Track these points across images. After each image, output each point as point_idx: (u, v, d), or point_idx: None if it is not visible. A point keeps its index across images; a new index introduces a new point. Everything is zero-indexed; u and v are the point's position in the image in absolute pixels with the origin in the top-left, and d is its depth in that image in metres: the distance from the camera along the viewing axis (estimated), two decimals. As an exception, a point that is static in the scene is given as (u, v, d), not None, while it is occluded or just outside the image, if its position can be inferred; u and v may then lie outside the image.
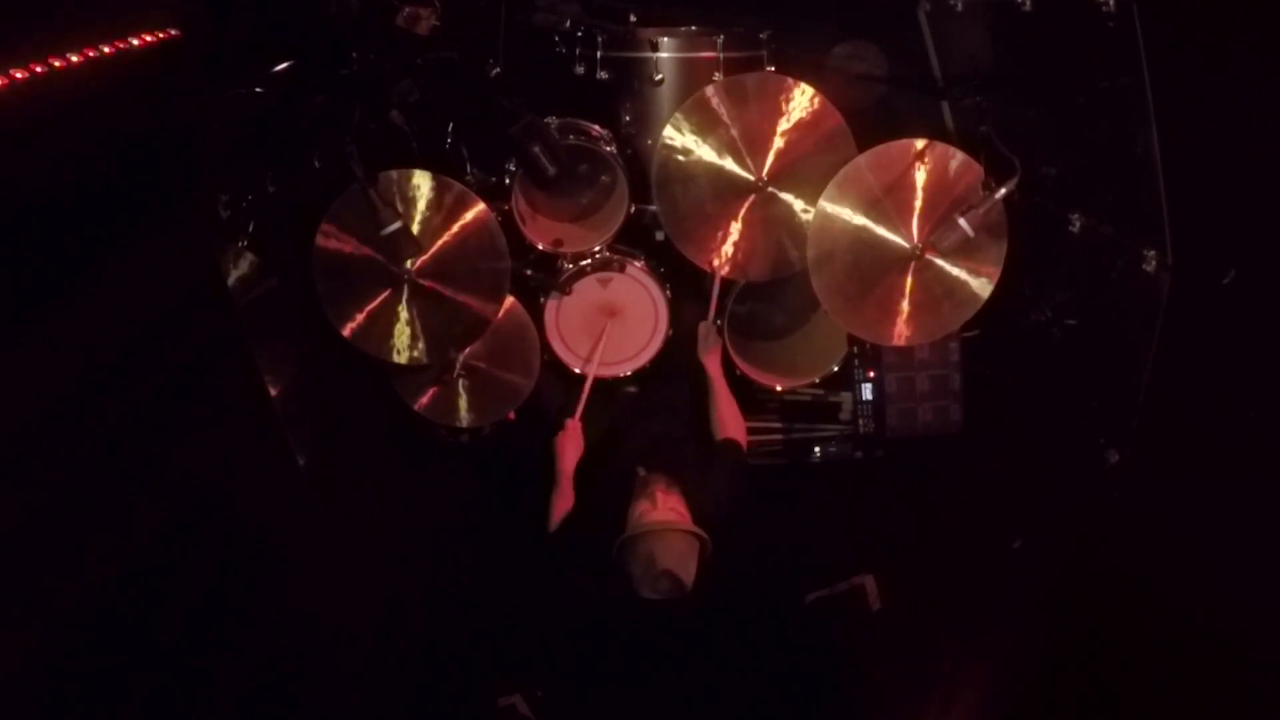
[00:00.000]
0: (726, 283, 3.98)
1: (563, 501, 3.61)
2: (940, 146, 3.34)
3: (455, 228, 3.47)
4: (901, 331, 3.51)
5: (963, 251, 3.34)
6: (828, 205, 3.40)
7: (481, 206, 3.47)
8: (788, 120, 3.51)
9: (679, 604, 3.12)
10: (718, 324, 4.05)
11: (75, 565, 2.54)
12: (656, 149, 3.63)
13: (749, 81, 3.56)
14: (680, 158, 3.59)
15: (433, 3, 3.53)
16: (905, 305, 3.46)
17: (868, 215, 3.39)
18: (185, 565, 2.99)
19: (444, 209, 3.44)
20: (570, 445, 3.70)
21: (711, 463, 3.57)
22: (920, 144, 3.34)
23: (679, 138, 3.56)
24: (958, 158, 3.32)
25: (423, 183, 3.41)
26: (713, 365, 3.88)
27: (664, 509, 3.17)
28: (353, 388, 4.04)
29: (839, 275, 3.47)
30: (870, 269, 3.44)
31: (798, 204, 3.60)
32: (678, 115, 3.55)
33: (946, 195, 3.33)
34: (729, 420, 3.76)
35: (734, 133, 3.54)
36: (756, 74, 3.79)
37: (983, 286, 3.42)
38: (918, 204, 3.36)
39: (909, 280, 3.43)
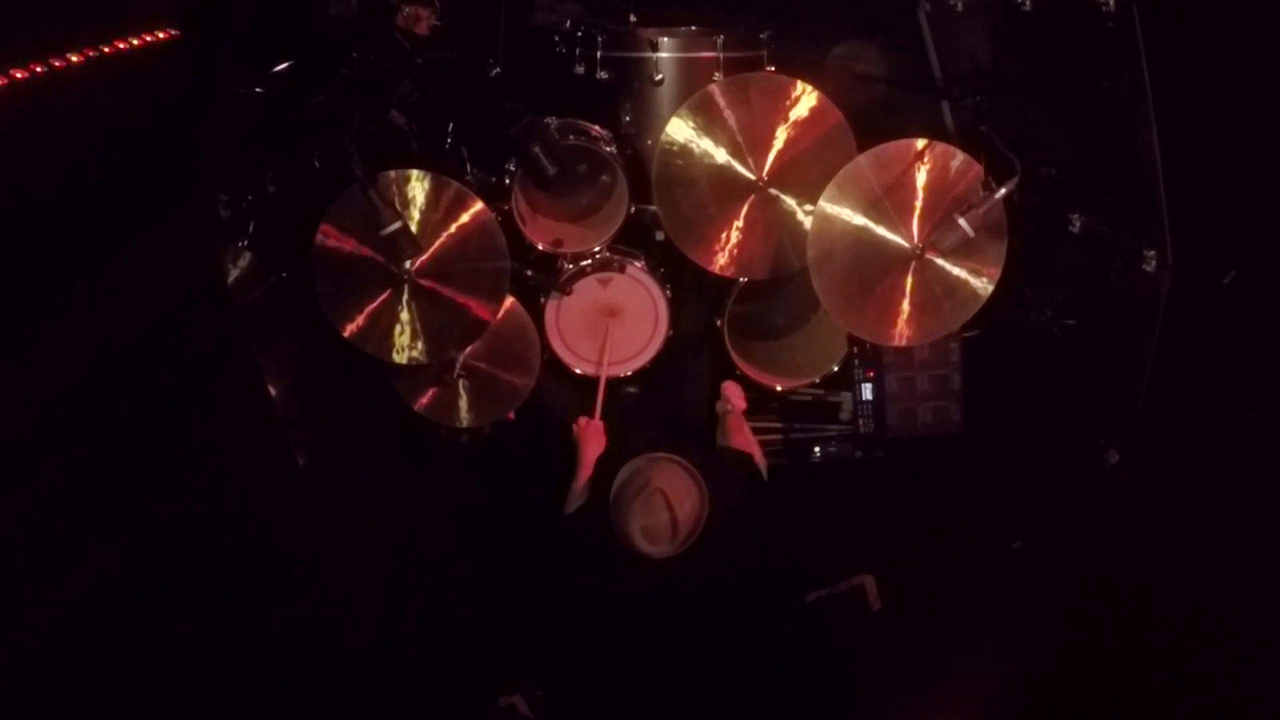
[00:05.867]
0: (727, 283, 3.98)
1: (581, 492, 3.59)
2: (940, 146, 3.34)
3: (454, 227, 3.47)
4: (902, 331, 3.51)
5: (963, 251, 3.34)
6: (828, 205, 3.39)
7: (480, 206, 3.46)
8: (788, 120, 3.51)
9: (676, 582, 3.08)
10: (718, 324, 4.05)
11: (76, 565, 2.54)
12: (658, 146, 3.63)
13: (750, 81, 3.56)
14: (681, 158, 3.58)
15: (433, 3, 3.54)
16: (905, 305, 3.46)
17: (868, 215, 3.38)
18: (185, 565, 2.99)
19: (442, 208, 3.44)
20: (593, 441, 3.68)
21: (717, 469, 3.53)
22: (920, 144, 3.33)
23: (682, 134, 3.55)
24: (958, 158, 3.32)
25: (422, 182, 3.41)
26: (737, 426, 3.82)
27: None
28: (353, 388, 4.04)
29: (839, 275, 3.47)
30: (870, 269, 3.43)
31: (799, 204, 3.60)
32: (682, 111, 3.54)
33: (946, 195, 3.33)
34: (743, 445, 3.73)
35: (735, 132, 3.54)
36: (758, 74, 3.79)
37: (983, 286, 3.42)
38: (918, 204, 3.35)
39: (909, 280, 3.43)
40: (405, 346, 3.61)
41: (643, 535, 2.98)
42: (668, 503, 2.97)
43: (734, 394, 3.96)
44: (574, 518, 3.48)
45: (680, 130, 3.56)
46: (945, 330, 3.57)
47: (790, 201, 3.62)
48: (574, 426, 3.73)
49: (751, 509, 3.48)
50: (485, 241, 3.51)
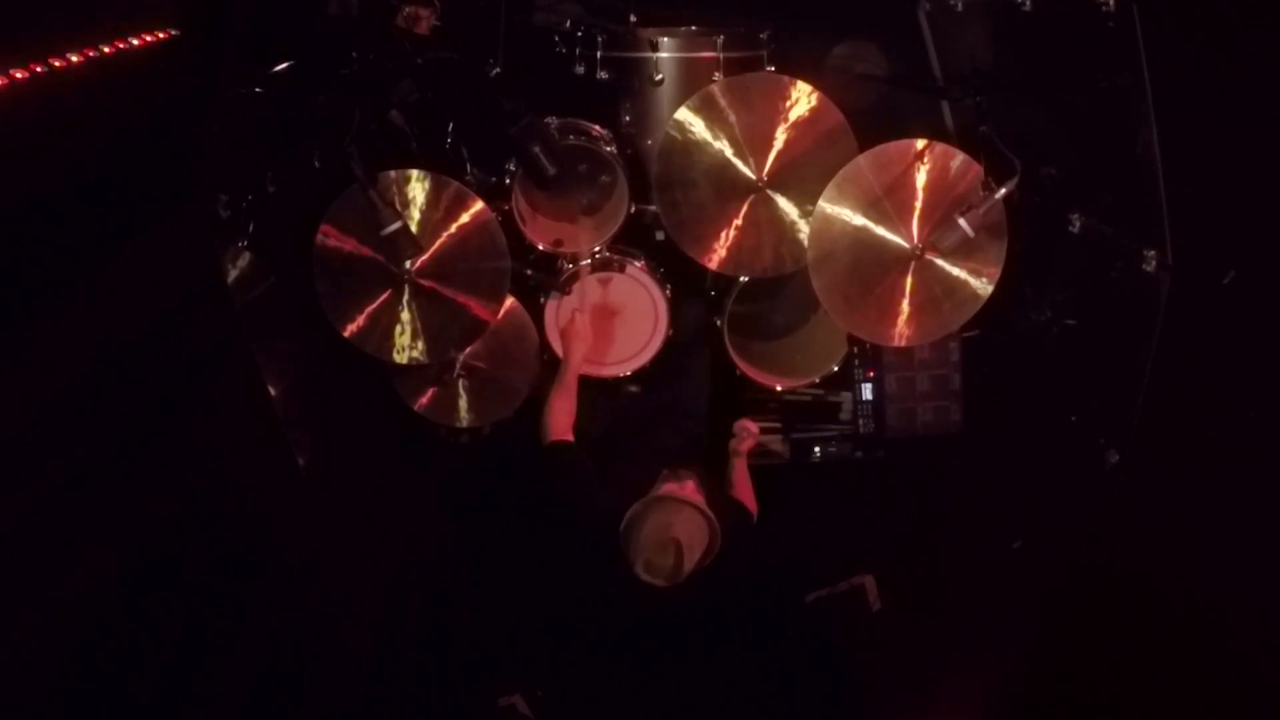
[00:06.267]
0: (726, 283, 3.99)
1: (565, 404, 3.51)
2: (940, 146, 3.34)
3: (454, 227, 3.47)
4: (901, 332, 3.51)
5: (963, 251, 3.34)
6: (828, 206, 3.40)
7: (480, 205, 3.47)
8: (788, 119, 3.51)
9: (668, 597, 3.06)
10: (718, 324, 4.05)
11: (75, 565, 2.54)
12: (659, 145, 3.62)
13: (751, 81, 3.56)
14: (682, 155, 3.58)
15: (433, 3, 3.53)
16: (905, 305, 3.46)
17: (868, 215, 3.39)
18: (185, 565, 2.99)
19: (442, 208, 3.44)
20: (580, 336, 3.59)
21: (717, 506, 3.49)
22: (920, 144, 3.33)
23: (688, 129, 3.54)
24: (958, 158, 3.32)
25: (422, 182, 3.41)
26: (741, 460, 3.76)
27: (692, 494, 3.14)
28: (353, 388, 4.04)
29: (839, 276, 3.47)
30: (870, 269, 3.43)
31: (799, 203, 3.60)
32: (685, 108, 3.53)
33: (946, 195, 3.33)
34: (743, 496, 3.65)
35: (736, 132, 3.54)
36: (758, 74, 3.79)
37: (983, 286, 3.42)
38: (918, 204, 3.36)
39: (909, 280, 3.43)
40: (405, 346, 3.61)
41: (645, 568, 2.98)
42: (679, 553, 2.96)
43: (746, 433, 3.80)
44: (557, 450, 3.40)
45: (687, 118, 3.54)
46: (945, 330, 3.58)
47: (790, 201, 3.61)
48: (561, 330, 3.61)
49: (731, 548, 3.38)
50: (485, 241, 3.51)
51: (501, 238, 3.53)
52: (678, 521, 3.01)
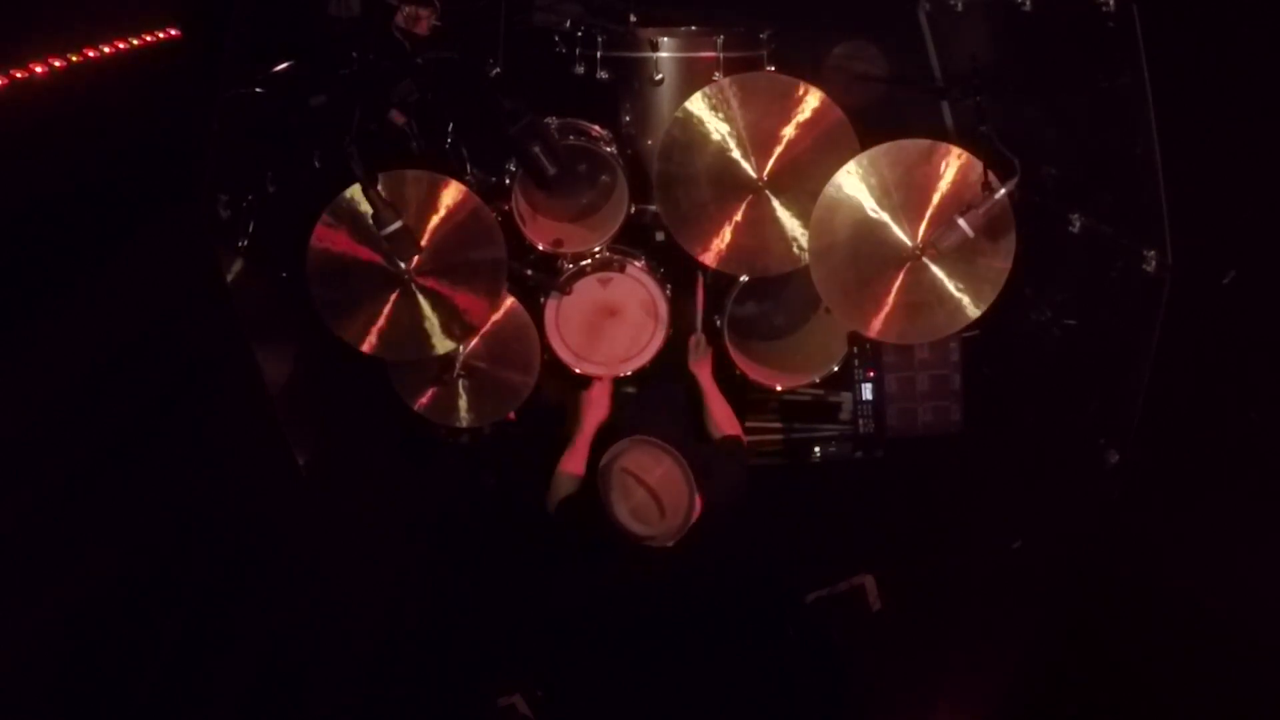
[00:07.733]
0: (726, 283, 3.99)
1: (574, 466, 3.52)
2: (959, 152, 3.29)
3: (438, 217, 3.42)
4: (879, 326, 3.48)
5: (963, 257, 3.32)
6: (835, 191, 3.35)
7: (459, 188, 3.41)
8: (790, 119, 3.51)
9: (676, 581, 3.04)
10: (718, 324, 4.05)
11: (75, 565, 2.54)
12: (659, 143, 3.61)
13: (754, 80, 3.55)
14: (684, 152, 3.57)
15: (433, 3, 3.54)
16: (892, 302, 3.44)
17: (875, 208, 3.36)
18: (185, 565, 2.99)
19: (423, 198, 3.40)
20: (597, 404, 3.59)
21: (711, 458, 3.53)
22: (938, 146, 3.29)
23: (696, 116, 3.53)
24: (976, 167, 3.26)
25: (407, 179, 3.39)
26: (703, 374, 3.88)
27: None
28: (353, 388, 4.04)
29: (839, 263, 3.45)
30: (869, 262, 3.41)
31: (798, 203, 3.60)
32: (692, 100, 3.52)
33: (957, 203, 3.29)
34: (724, 422, 3.72)
35: (739, 130, 3.53)
36: (762, 73, 3.79)
37: (971, 307, 3.39)
38: (929, 206, 3.32)
39: (903, 279, 3.41)
40: (405, 345, 3.61)
41: (633, 518, 2.92)
42: (638, 480, 2.91)
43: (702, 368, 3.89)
44: (566, 509, 3.41)
45: (697, 107, 3.53)
46: (933, 336, 3.56)
47: (790, 201, 3.60)
48: (582, 393, 3.65)
49: (743, 492, 3.41)
50: (473, 226, 3.46)
51: (488, 218, 3.47)
52: (618, 460, 2.96)
